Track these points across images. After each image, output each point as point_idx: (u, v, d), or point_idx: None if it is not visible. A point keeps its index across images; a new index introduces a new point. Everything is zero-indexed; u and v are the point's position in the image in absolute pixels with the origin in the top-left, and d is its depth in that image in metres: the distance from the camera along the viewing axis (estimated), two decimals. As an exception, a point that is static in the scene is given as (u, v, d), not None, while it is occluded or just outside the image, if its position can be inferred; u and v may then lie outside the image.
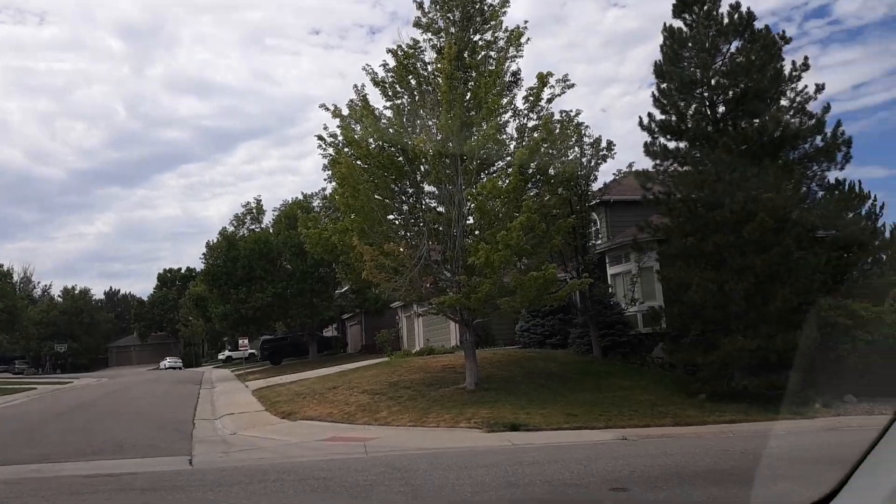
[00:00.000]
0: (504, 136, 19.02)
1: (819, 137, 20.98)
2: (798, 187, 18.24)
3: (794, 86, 20.09)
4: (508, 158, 18.54)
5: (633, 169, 22.40)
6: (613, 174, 25.54)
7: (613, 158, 26.11)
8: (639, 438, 13.37)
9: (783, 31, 20.74)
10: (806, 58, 20.94)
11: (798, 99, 20.24)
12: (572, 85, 18.13)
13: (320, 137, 20.25)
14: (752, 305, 17.86)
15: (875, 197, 30.25)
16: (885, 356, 19.00)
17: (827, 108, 20.79)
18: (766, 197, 18.01)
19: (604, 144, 24.18)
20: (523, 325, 28.09)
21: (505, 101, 18.16)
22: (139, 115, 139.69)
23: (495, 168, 18.83)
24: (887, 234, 28.81)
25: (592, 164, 24.43)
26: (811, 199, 20.26)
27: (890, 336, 18.48)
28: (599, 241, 27.34)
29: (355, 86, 20.09)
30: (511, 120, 18.80)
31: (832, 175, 34.14)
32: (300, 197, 44.72)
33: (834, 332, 18.78)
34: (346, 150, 19.98)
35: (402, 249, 18.13)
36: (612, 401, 17.71)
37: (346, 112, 20.07)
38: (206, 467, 11.99)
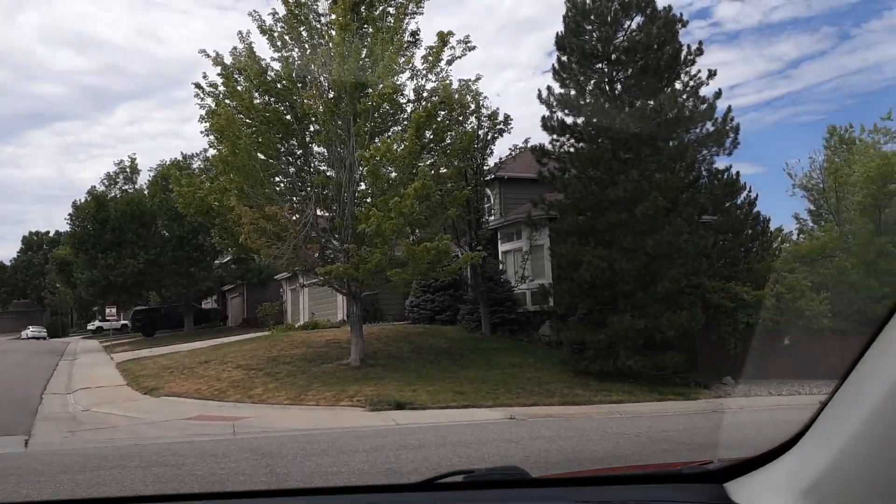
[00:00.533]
0: (401, 99, 17.93)
1: (710, 123, 21.34)
2: (690, 169, 18.34)
3: (688, 69, 20.23)
4: (405, 123, 17.46)
5: (530, 144, 21.92)
6: (509, 149, 25.04)
7: (510, 133, 25.61)
8: (527, 418, 12.87)
9: (681, 14, 20.80)
10: (700, 42, 21.16)
11: (692, 83, 20.43)
12: (473, 47, 17.28)
13: (198, 86, 18.36)
14: (641, 285, 17.85)
15: (750, 188, 31.77)
16: (762, 339, 19.66)
17: (718, 94, 21.11)
18: (660, 177, 18.00)
19: (500, 118, 23.60)
20: (413, 300, 27.31)
21: (403, 60, 17.02)
22: (9, 66, 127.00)
23: (391, 132, 17.69)
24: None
25: (489, 137, 23.80)
26: (700, 183, 20.58)
27: (768, 319, 19.07)
28: (492, 218, 26.90)
29: (240, 32, 18.36)
30: (409, 81, 17.72)
31: (720, 161, 34.91)
32: (179, 158, 41.64)
33: (717, 315, 19.19)
34: (227, 101, 18.22)
35: (286, 213, 16.68)
36: (501, 378, 17.23)
37: (229, 61, 18.31)
38: (41, 450, 10.36)
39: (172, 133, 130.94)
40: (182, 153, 50.22)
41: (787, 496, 1.24)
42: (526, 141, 24.07)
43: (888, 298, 21.91)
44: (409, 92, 17.70)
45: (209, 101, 18.50)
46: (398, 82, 17.24)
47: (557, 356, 20.80)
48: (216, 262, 42.01)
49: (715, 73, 20.73)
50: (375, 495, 1.96)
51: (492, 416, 13.21)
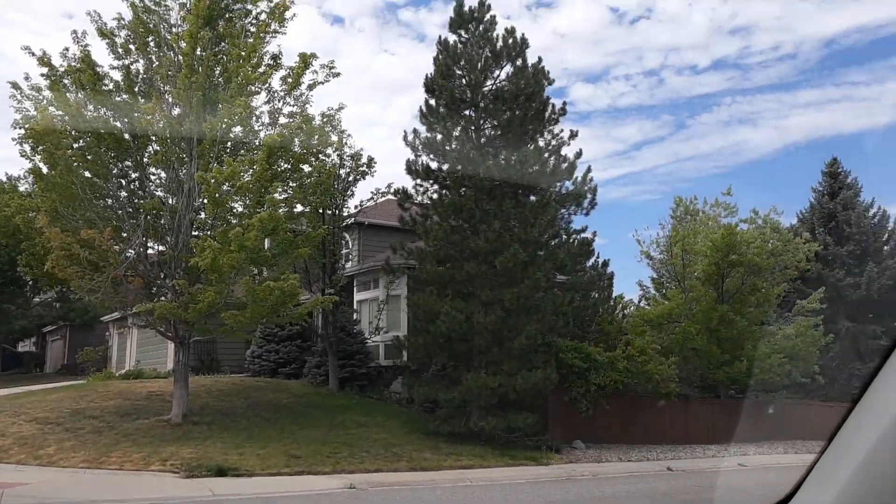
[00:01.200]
0: (256, 124, 16.37)
1: (570, 182, 21.42)
2: (550, 225, 18.05)
3: (551, 128, 20.32)
4: (258, 151, 15.85)
5: (393, 188, 20.94)
6: (371, 192, 23.94)
7: (373, 176, 24.47)
8: (368, 487, 11.38)
9: (548, 71, 20.90)
10: (564, 103, 21.32)
11: (554, 142, 20.50)
12: (338, 74, 16.15)
13: (15, 86, 15.81)
14: (498, 340, 17.10)
15: (598, 254, 32.77)
16: (613, 402, 19.45)
17: (579, 154, 21.29)
18: (521, 230, 17.55)
19: (364, 160, 22.54)
20: (255, 350, 24.98)
21: (260, 79, 15.54)
22: None
23: (239, 157, 15.98)
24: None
25: (351, 178, 22.62)
26: (559, 241, 20.43)
27: (619, 381, 18.88)
28: (350, 265, 25.49)
29: (74, 32, 16.16)
30: (266, 105, 16.22)
31: (578, 221, 35.57)
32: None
33: (569, 375, 18.77)
34: (52, 108, 15.80)
35: (105, 239, 14.37)
36: (345, 439, 15.61)
37: (58, 62, 16.02)
38: None
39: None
40: (6, 174, 44.63)
41: None
42: (389, 185, 23.11)
43: (728, 364, 22.72)
44: (265, 116, 16.18)
45: (28, 104, 15.98)
46: (253, 104, 15.70)
47: (408, 415, 19.50)
48: (35, 298, 37.21)
49: (576, 134, 20.92)
50: None
51: (329, 484, 11.57)
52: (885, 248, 31.75)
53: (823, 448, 1.43)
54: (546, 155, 20.08)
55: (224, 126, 15.42)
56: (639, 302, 30.78)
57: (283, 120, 16.07)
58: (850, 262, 31.04)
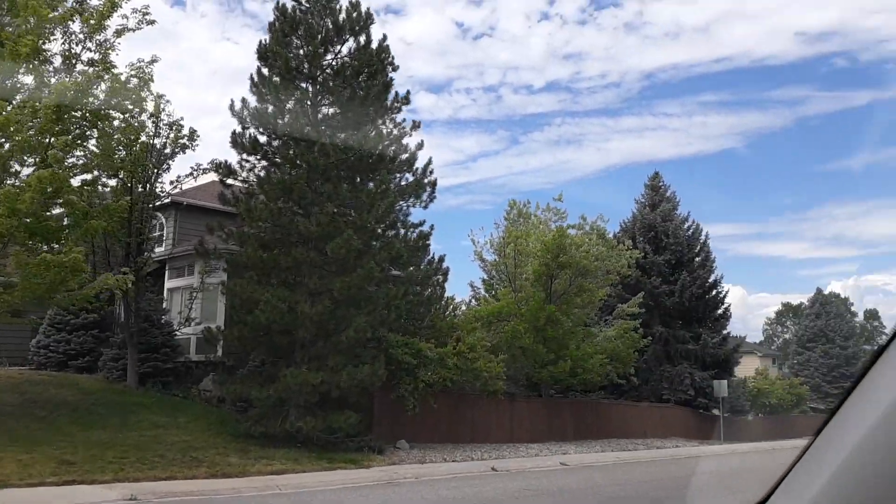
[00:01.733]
0: (48, 69, 13.76)
1: (410, 173, 20.58)
2: (388, 212, 17.02)
3: (394, 115, 19.40)
4: (45, 98, 13.27)
5: (216, 162, 18.83)
6: (191, 167, 21.57)
7: (194, 151, 22.09)
8: (154, 497, 9.60)
9: (392, 58, 19.88)
10: (408, 91, 20.45)
11: (396, 131, 19.59)
12: (153, 21, 14.04)
13: None
14: (324, 333, 15.78)
15: (434, 253, 32.45)
16: (441, 400, 18.78)
17: (421, 145, 20.53)
18: (356, 217, 16.37)
19: (185, 132, 20.19)
20: (42, 339, 21.65)
21: (55, 14, 13.03)
22: None
23: (16, 104, 13.29)
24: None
25: (168, 151, 20.16)
26: (396, 233, 19.49)
27: (448, 378, 18.24)
28: (162, 249, 22.87)
29: None
30: (60, 47, 13.67)
31: (416, 215, 34.68)
32: None
33: (398, 372, 17.85)
34: None
35: None
36: (137, 443, 13.52)
37: None
38: None
39: None
40: None
41: None
42: (212, 161, 20.89)
43: (553, 364, 22.97)
44: (57, 59, 13.63)
45: None
46: (43, 45, 13.15)
47: (218, 415, 17.59)
48: None
49: (419, 125, 20.18)
50: None
51: (104, 495, 9.64)
52: (697, 259, 34.18)
53: (805, 447, 1.26)
54: (387, 143, 19.11)
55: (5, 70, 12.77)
56: (469, 303, 30.68)
57: (80, 67, 13.64)
58: (666, 270, 33.06)
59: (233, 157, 17.75)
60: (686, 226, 34.61)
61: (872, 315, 76.32)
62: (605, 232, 28.88)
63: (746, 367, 43.04)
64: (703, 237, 34.65)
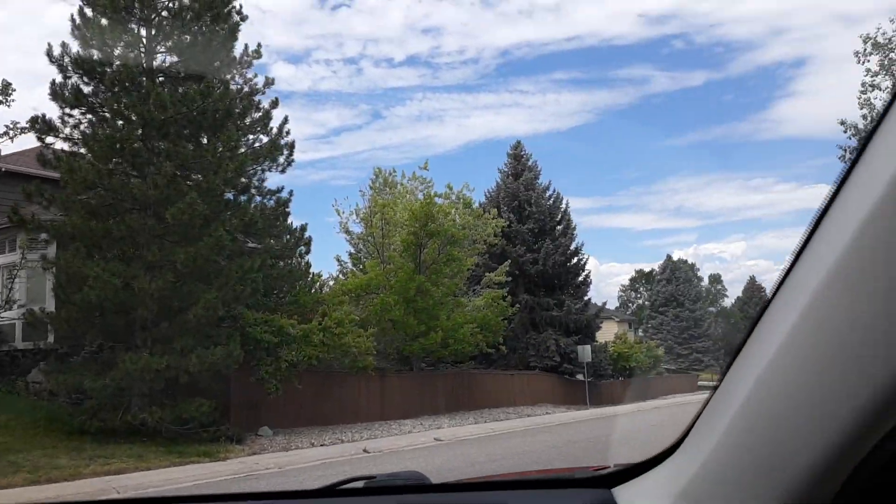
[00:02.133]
0: None
1: (265, 135, 18.90)
2: (239, 174, 15.32)
3: (244, 70, 17.63)
4: None
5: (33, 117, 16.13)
6: (6, 126, 18.57)
7: (9, 106, 19.09)
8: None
9: (241, 7, 17.87)
10: (259, 45, 18.60)
11: (247, 88, 17.84)
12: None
13: None
14: (168, 312, 13.95)
15: (294, 223, 30.67)
16: (306, 380, 17.43)
17: (275, 104, 18.89)
18: (203, 179, 14.56)
19: (-4, 84, 17.29)
20: None
21: None
22: None
23: None
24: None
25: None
26: (249, 198, 17.77)
27: (314, 356, 16.91)
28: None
29: None
30: None
31: (273, 180, 32.63)
32: None
33: (257, 352, 16.30)
34: None
35: None
36: (-68, 449, 11.21)
37: None
38: None
39: None
40: None
41: (664, 499, 1.24)
42: (33, 119, 18.02)
43: (423, 336, 22.19)
44: None
45: None
46: None
47: (49, 411, 15.29)
48: None
49: (272, 82, 18.48)
50: (278, 501, 1.99)
51: None
52: (559, 227, 34.66)
53: (709, 396, 1.17)
54: (237, 98, 17.32)
55: None
56: (336, 278, 29.30)
57: None
58: (530, 239, 33.24)
59: (54, 112, 15.27)
60: (548, 195, 34.98)
61: (716, 279, 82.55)
62: (471, 201, 28.43)
63: (606, 333, 44.75)
64: (563, 206, 35.20)
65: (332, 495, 1.78)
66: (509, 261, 29.55)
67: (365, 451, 14.40)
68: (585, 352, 30.79)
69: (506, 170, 35.86)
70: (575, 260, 34.61)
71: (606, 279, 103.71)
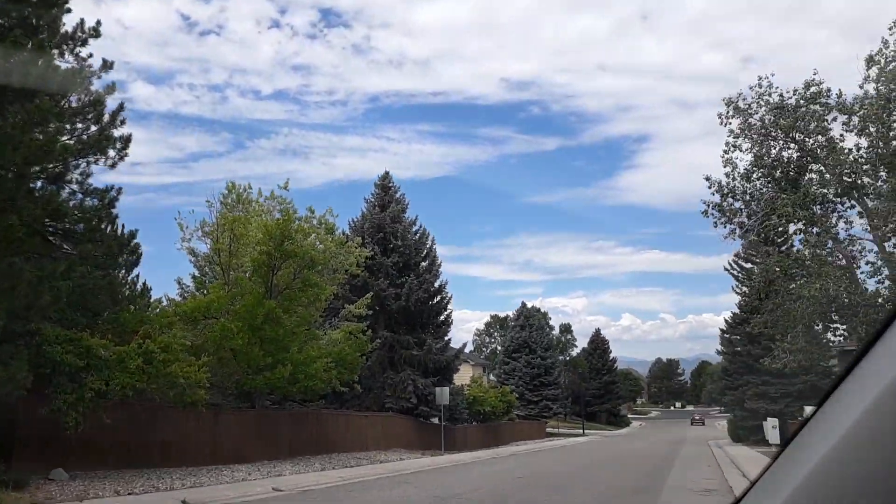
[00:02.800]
0: None
1: (95, 124, 16.02)
2: (47, 152, 12.43)
3: (78, 49, 14.90)
4: None
5: None
6: None
7: None
8: None
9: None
10: (99, 21, 15.91)
11: (75, 64, 15.04)
12: None
13: None
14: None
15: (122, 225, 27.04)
16: (118, 414, 14.36)
17: (112, 89, 16.13)
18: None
19: None
20: None
21: None
22: None
23: None
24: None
25: None
26: (60, 188, 14.72)
27: (130, 386, 13.94)
28: None
29: None
30: None
31: (101, 178, 28.70)
32: None
33: (57, 376, 13.17)
34: None
35: None
36: None
37: None
38: None
39: None
40: None
41: None
42: None
43: (270, 369, 19.60)
44: None
45: None
46: None
47: None
48: None
49: (112, 65, 15.79)
50: None
51: None
52: (424, 263, 33.26)
53: (777, 452, 1.25)
54: (62, 76, 14.47)
55: None
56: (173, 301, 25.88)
57: None
58: (394, 273, 31.54)
59: None
60: (414, 230, 33.59)
61: (566, 329, 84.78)
62: (333, 227, 26.36)
63: (463, 376, 43.62)
64: (429, 243, 33.90)
65: None
66: (371, 293, 27.63)
67: (184, 502, 11.71)
68: (444, 394, 29.23)
69: (372, 200, 34.14)
70: (438, 298, 33.26)
71: (458, 325, 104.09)
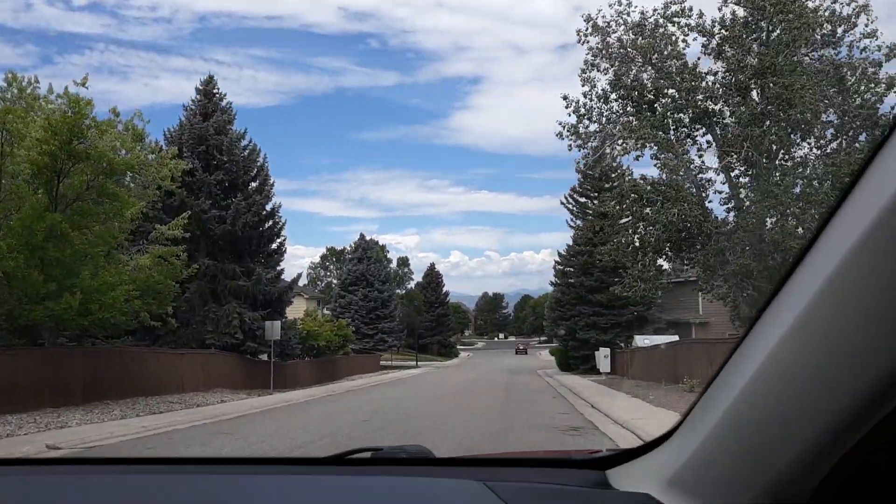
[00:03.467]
0: None
1: None
2: None
3: None
4: None
5: None
6: None
7: None
8: None
9: None
10: None
11: None
12: None
13: None
14: None
15: None
16: None
17: None
18: None
19: None
20: None
21: None
22: None
23: None
24: None
25: None
26: None
27: None
28: None
29: None
30: None
31: None
32: None
33: None
34: None
35: None
36: None
37: None
38: None
39: None
40: None
41: (656, 483, 1.33)
42: None
43: (55, 298, 15.82)
44: None
45: None
46: None
47: None
48: None
49: None
50: (286, 467, 1.92)
51: None
52: (254, 182, 29.71)
53: (705, 386, 1.21)
54: None
55: None
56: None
57: None
58: (218, 192, 27.79)
59: None
60: (243, 144, 29.76)
61: (404, 262, 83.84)
62: (143, 135, 22.13)
63: (296, 309, 40.88)
64: (260, 159, 30.26)
65: (340, 464, 1.80)
66: (189, 212, 23.87)
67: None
68: (274, 328, 26.50)
69: (193, 108, 29.69)
70: (270, 223, 29.97)
71: (291, 261, 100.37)
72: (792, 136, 19.19)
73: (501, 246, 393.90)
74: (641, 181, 20.69)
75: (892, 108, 19.71)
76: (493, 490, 1.45)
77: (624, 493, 1.42)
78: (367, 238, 63.03)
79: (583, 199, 51.70)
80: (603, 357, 33.83)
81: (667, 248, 20.35)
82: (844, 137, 19.78)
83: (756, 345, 1.03)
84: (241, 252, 28.50)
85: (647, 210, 19.82)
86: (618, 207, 21.18)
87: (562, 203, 52.88)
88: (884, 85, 19.49)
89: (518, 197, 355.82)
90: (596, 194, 50.07)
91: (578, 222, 49.54)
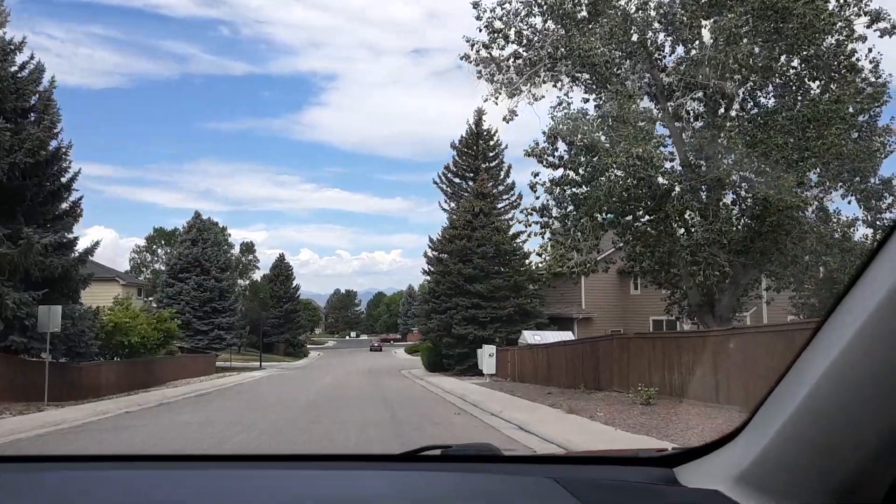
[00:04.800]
0: None
1: None
2: None
3: None
4: None
5: None
6: None
7: None
8: None
9: None
10: None
11: None
12: None
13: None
14: None
15: None
16: None
17: None
18: None
19: None
20: None
21: None
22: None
23: None
24: None
25: None
26: None
27: None
28: None
29: None
30: None
31: None
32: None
33: None
34: None
35: None
36: None
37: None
38: None
39: None
40: None
41: (725, 480, 1.34)
42: None
43: None
44: None
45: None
46: None
47: None
48: None
49: None
50: (359, 464, 2.00)
51: None
52: (33, 114, 21.26)
53: (773, 385, 1.23)
54: None
55: None
56: None
57: None
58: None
59: None
60: (19, 58, 21.29)
61: (249, 248, 74.58)
62: None
63: (103, 295, 32.14)
64: (46, 83, 21.83)
65: (414, 460, 1.86)
66: None
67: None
68: (53, 316, 18.62)
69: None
70: (56, 168, 21.63)
71: (125, 253, 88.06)
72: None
73: (353, 245, 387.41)
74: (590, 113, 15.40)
75: None
76: (564, 486, 1.48)
77: (694, 490, 1.43)
78: (205, 218, 53.99)
79: (457, 180, 46.78)
80: (487, 356, 28.58)
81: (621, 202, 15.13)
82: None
83: (823, 346, 1.02)
84: (10, 206, 20.12)
85: (596, 157, 14.50)
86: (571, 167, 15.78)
87: (434, 182, 47.54)
88: None
89: (371, 197, 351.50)
90: (472, 174, 45.37)
91: (452, 204, 44.48)
